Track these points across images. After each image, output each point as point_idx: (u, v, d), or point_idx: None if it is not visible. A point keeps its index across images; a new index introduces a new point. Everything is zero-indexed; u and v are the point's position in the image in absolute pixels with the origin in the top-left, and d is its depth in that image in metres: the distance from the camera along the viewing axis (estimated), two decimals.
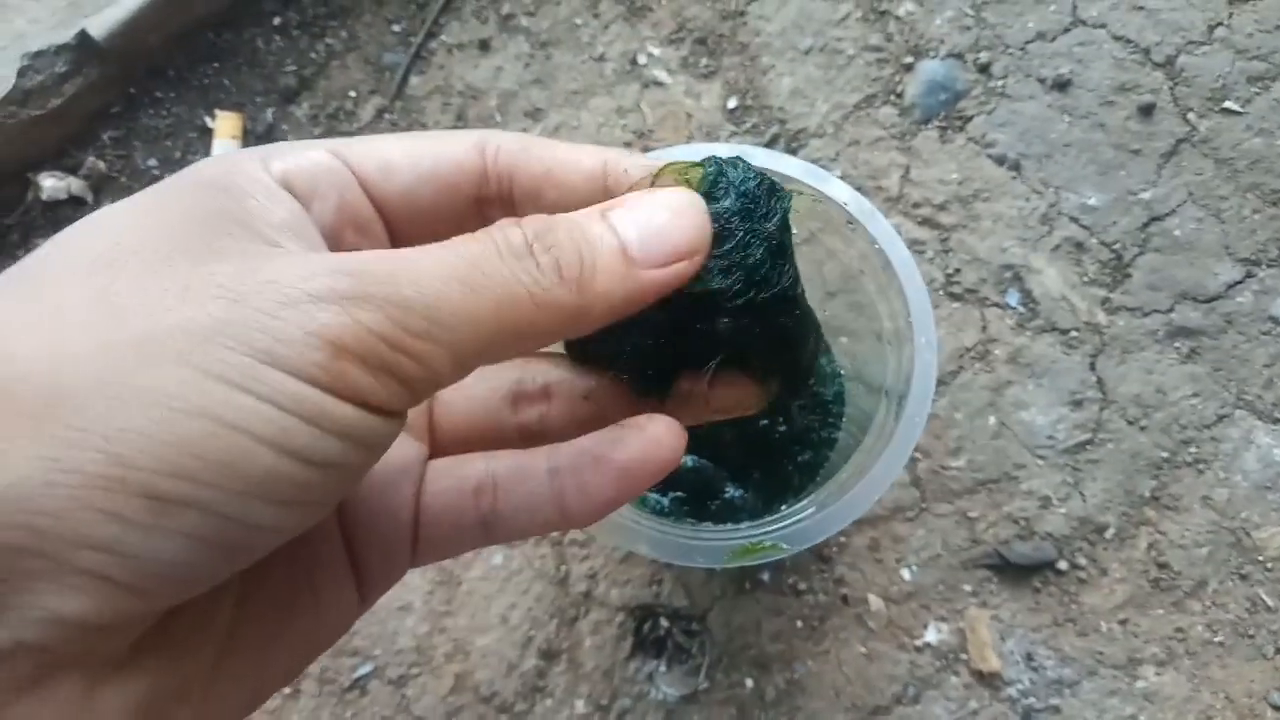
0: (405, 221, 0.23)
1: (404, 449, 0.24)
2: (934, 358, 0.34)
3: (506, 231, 0.20)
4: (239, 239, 0.18)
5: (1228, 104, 0.59)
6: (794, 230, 0.43)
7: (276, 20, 0.65)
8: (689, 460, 0.45)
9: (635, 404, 0.25)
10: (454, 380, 0.19)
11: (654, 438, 0.22)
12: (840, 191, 0.38)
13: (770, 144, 0.61)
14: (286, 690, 0.53)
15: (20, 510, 0.15)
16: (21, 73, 0.60)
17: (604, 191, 0.23)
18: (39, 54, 0.61)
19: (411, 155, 0.23)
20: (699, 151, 0.39)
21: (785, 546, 0.34)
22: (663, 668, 0.53)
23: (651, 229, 0.21)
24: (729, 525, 0.38)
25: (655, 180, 0.23)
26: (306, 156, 0.22)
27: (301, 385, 0.16)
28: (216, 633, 0.20)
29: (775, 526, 0.36)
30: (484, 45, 0.64)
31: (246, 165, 0.21)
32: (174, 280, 0.17)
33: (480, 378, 0.26)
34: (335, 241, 0.22)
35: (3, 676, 0.16)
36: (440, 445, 0.26)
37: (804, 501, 0.36)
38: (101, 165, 0.63)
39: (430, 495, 0.24)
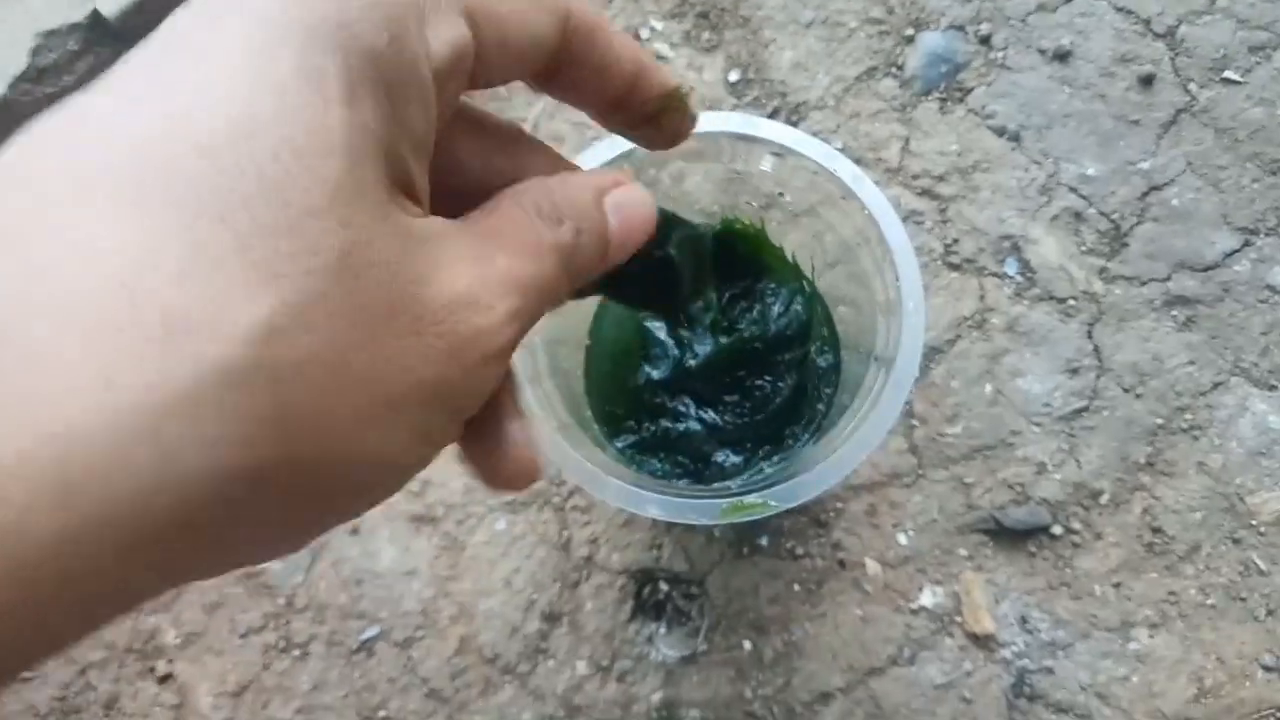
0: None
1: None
2: (921, 322, 0.35)
3: (539, 203, 0.20)
4: (394, 174, 0.17)
5: (1228, 74, 0.59)
6: (790, 203, 0.43)
7: None
8: (684, 425, 0.46)
9: None
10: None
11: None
12: (832, 159, 0.38)
13: (771, 116, 0.61)
14: (295, 652, 0.54)
15: None
16: (35, 51, 0.62)
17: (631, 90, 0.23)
18: (52, 33, 0.62)
19: (514, 29, 0.20)
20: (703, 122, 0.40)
21: (774, 504, 0.34)
22: (662, 630, 0.54)
23: (627, 227, 0.22)
24: (720, 485, 0.39)
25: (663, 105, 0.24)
26: (455, 38, 0.18)
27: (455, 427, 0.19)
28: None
29: (765, 485, 0.37)
30: None
31: (411, 45, 0.17)
32: (396, 299, 0.16)
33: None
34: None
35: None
36: None
37: (794, 462, 0.37)
38: None
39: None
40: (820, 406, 0.45)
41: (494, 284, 0.18)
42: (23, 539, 0.13)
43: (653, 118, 0.24)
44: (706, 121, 0.40)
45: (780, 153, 0.41)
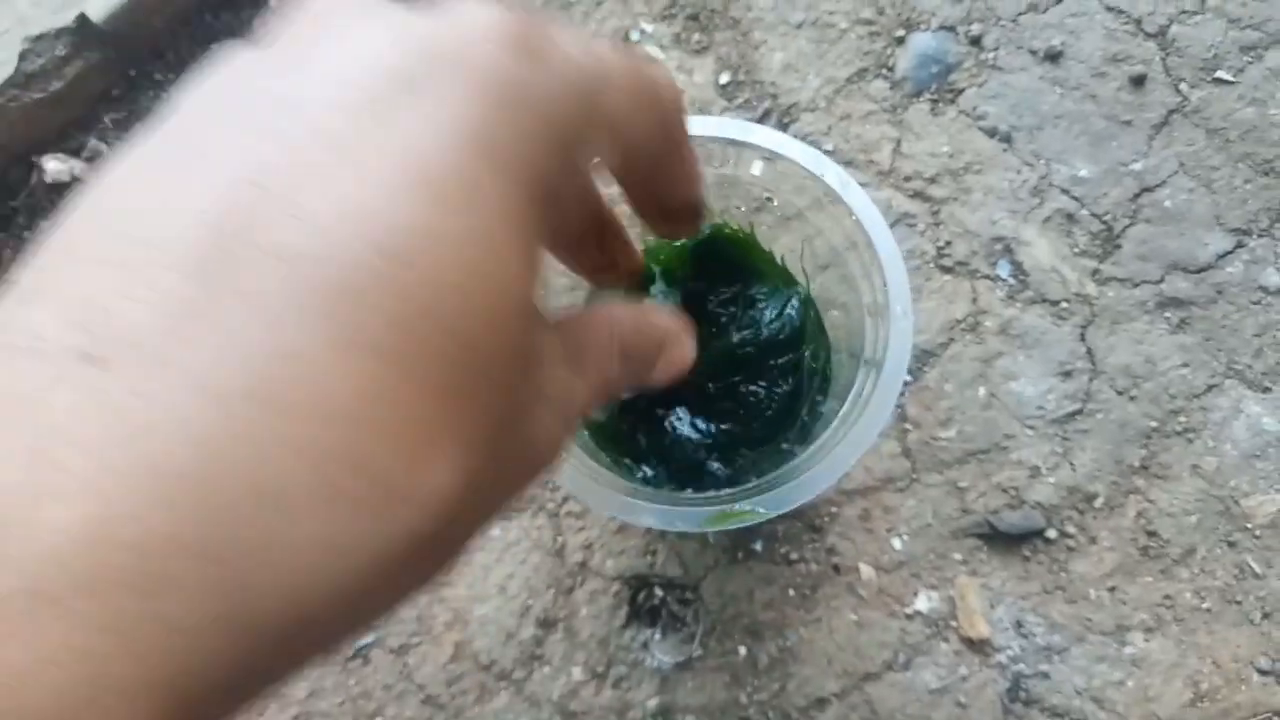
0: None
1: None
2: (909, 325, 0.34)
3: (612, 339, 0.22)
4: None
5: (1220, 74, 0.59)
6: (779, 207, 0.43)
7: (273, 1, 0.66)
8: (676, 433, 0.46)
9: None
10: None
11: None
12: (820, 164, 0.38)
13: (762, 119, 0.61)
14: None
15: None
16: (23, 56, 0.61)
17: None
18: (40, 37, 0.62)
19: (638, 149, 0.21)
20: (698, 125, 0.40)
21: (762, 511, 0.34)
22: (657, 636, 0.54)
23: (665, 375, 0.24)
24: (710, 493, 0.39)
25: None
26: (602, 157, 0.20)
27: None
28: None
29: (754, 492, 0.36)
30: None
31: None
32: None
33: None
34: None
35: None
36: None
37: (782, 469, 0.37)
38: (104, 147, 0.64)
39: None
40: (811, 412, 0.45)
41: (575, 411, 0.20)
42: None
43: (671, 215, 0.25)
44: (698, 126, 0.40)
45: (770, 157, 0.41)
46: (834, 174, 0.37)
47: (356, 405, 0.14)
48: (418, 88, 0.15)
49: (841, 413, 0.38)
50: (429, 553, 0.16)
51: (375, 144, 0.14)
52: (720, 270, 0.45)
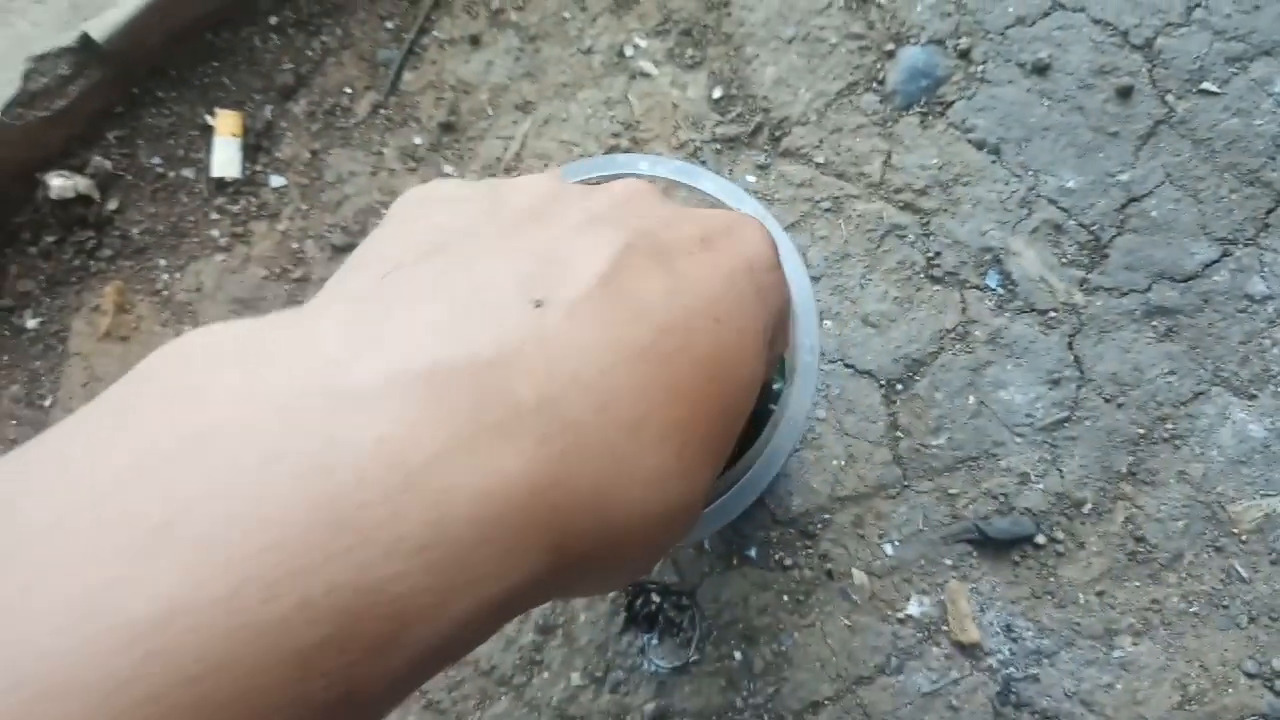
0: None
1: None
2: (815, 360, 0.35)
3: None
4: None
5: (1205, 85, 0.60)
6: None
7: (273, 19, 0.67)
8: None
9: None
10: None
11: None
12: (737, 197, 0.38)
13: (755, 132, 0.62)
14: None
15: None
16: (26, 76, 0.62)
17: None
18: (42, 57, 0.63)
19: None
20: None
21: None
22: (655, 641, 0.55)
23: None
24: None
25: None
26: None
27: None
28: None
29: None
30: (474, 40, 0.66)
31: None
32: None
33: None
34: None
35: None
36: None
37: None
38: (107, 164, 0.65)
39: None
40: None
41: None
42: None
43: None
44: (645, 165, 0.39)
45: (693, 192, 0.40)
46: (751, 208, 0.38)
47: (689, 392, 0.20)
48: (725, 240, 0.23)
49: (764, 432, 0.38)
50: (677, 529, 0.20)
51: (703, 258, 0.22)
52: None
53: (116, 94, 0.66)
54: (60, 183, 0.64)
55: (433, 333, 0.17)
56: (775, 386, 0.45)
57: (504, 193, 0.24)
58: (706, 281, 0.21)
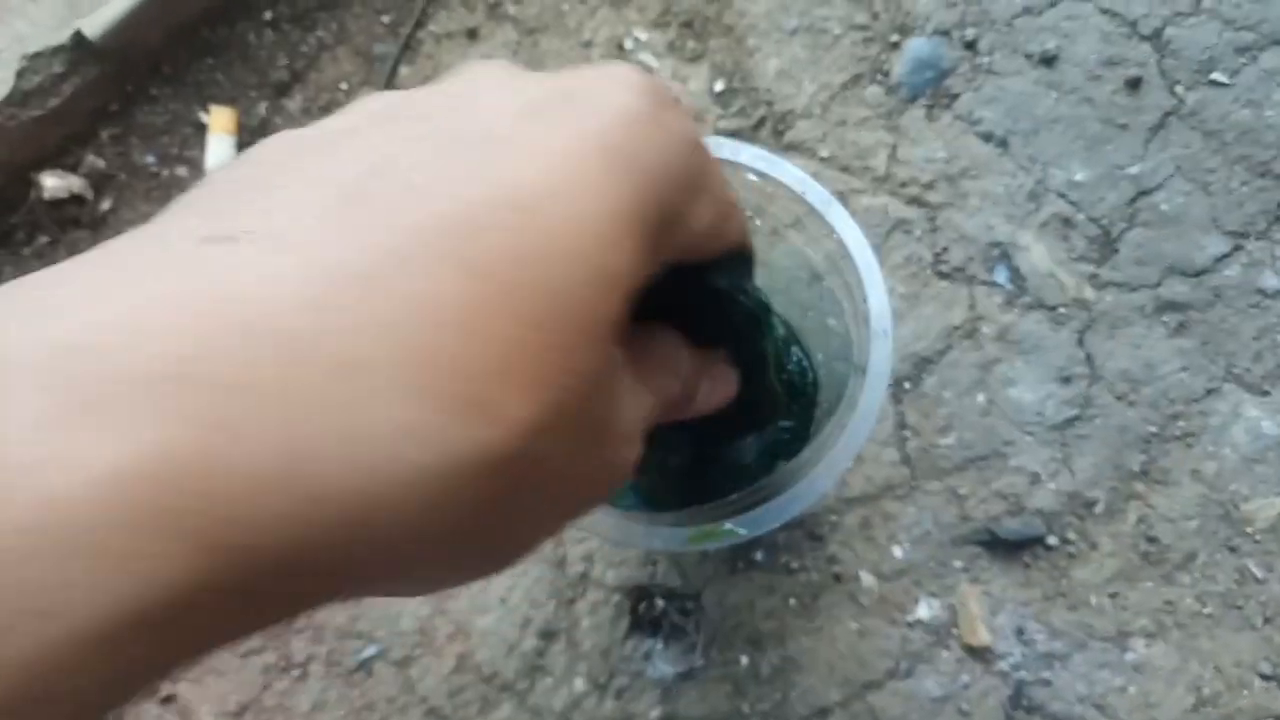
0: None
1: None
2: (889, 346, 0.34)
3: (674, 358, 0.23)
4: None
5: (1215, 76, 0.59)
6: (758, 223, 0.43)
7: (268, 15, 0.66)
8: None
9: None
10: None
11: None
12: (801, 180, 0.38)
13: (757, 126, 0.61)
14: (294, 672, 0.54)
15: None
16: (20, 74, 0.62)
17: None
18: (37, 55, 0.62)
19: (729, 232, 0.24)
20: None
21: (742, 531, 0.34)
22: (659, 646, 0.54)
23: (707, 403, 0.25)
24: (690, 509, 0.38)
25: None
26: (709, 217, 0.21)
27: None
28: None
29: (732, 511, 0.36)
30: (472, 34, 0.65)
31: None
32: None
33: None
34: None
35: None
36: None
37: (761, 482, 0.37)
38: (101, 163, 0.64)
39: None
40: (791, 424, 0.45)
41: (640, 424, 0.20)
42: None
43: None
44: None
45: (759, 176, 0.40)
46: (815, 193, 0.37)
47: (455, 312, 0.15)
48: (561, 108, 0.18)
49: (833, 420, 0.38)
50: (492, 503, 0.16)
51: (517, 137, 0.17)
52: None
53: (111, 92, 0.65)
54: (55, 182, 0.63)
55: (75, 302, 0.14)
56: (798, 362, 0.44)
57: (330, 120, 0.20)
58: (514, 164, 0.17)
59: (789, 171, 0.36)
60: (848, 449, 0.34)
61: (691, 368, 0.24)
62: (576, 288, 0.16)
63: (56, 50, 0.62)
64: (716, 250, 0.22)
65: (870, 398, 0.34)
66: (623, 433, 0.19)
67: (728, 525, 0.34)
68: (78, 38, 0.62)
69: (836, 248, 0.40)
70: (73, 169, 0.64)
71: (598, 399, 0.18)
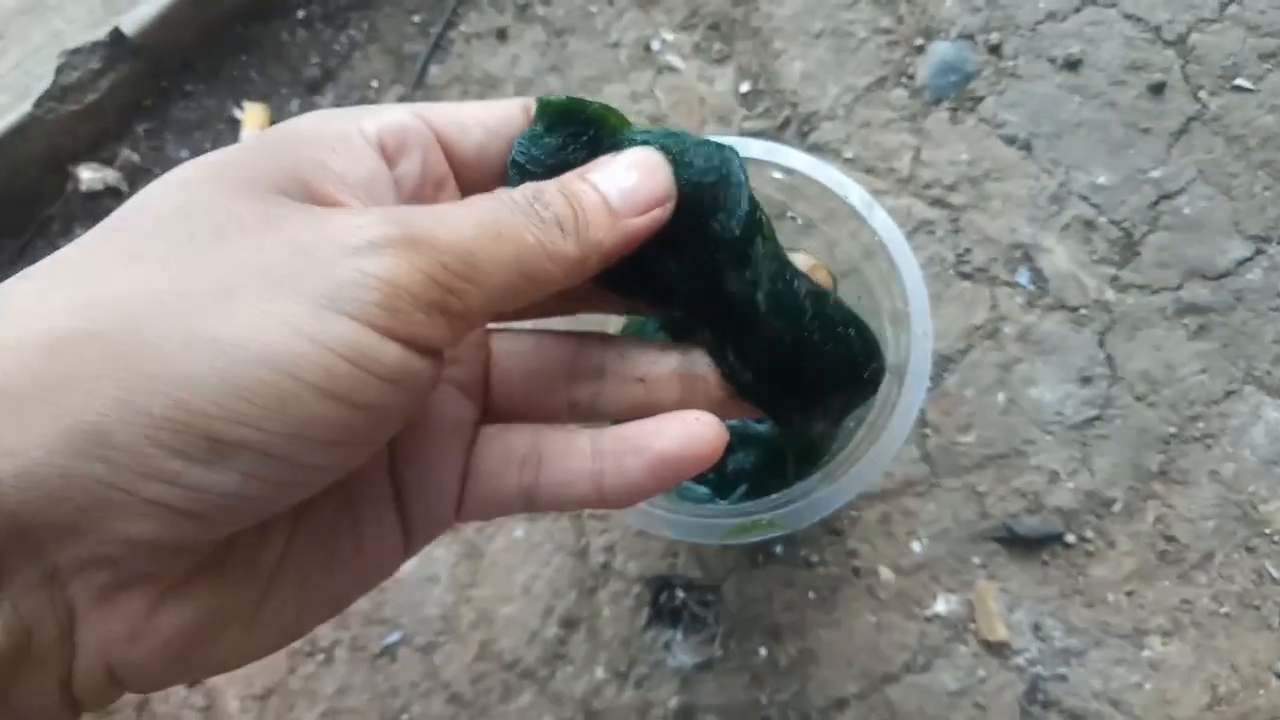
0: (476, 175, 0.26)
1: (458, 408, 0.26)
2: (929, 346, 0.35)
3: (510, 193, 0.23)
4: (309, 198, 0.21)
5: (1239, 81, 0.60)
6: (797, 219, 0.44)
7: (300, 13, 0.67)
8: None
9: (684, 397, 0.27)
10: (484, 322, 0.24)
11: (695, 431, 0.24)
12: (842, 183, 0.39)
13: (782, 127, 0.62)
14: (320, 657, 0.55)
15: (100, 445, 0.17)
16: (59, 70, 0.63)
17: None
18: (75, 51, 0.63)
19: (478, 115, 0.25)
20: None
21: (782, 525, 0.35)
22: (679, 636, 0.54)
23: (626, 185, 0.24)
24: (725, 504, 0.39)
25: None
26: (395, 117, 0.24)
27: (357, 328, 0.19)
28: (267, 564, 0.22)
29: (772, 506, 0.37)
30: (501, 34, 0.66)
31: (340, 124, 0.23)
32: (247, 236, 0.19)
33: (539, 351, 0.28)
34: (416, 196, 0.24)
35: (82, 587, 0.18)
36: (494, 412, 0.27)
37: (805, 481, 0.38)
38: (135, 157, 0.65)
39: (478, 458, 0.26)
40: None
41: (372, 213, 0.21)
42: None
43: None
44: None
45: (791, 171, 0.41)
46: (856, 194, 0.38)
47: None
48: None
49: (868, 420, 0.39)
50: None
51: None
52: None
53: (146, 88, 0.67)
54: (90, 175, 0.65)
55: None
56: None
57: None
58: None
59: (830, 174, 0.37)
60: (888, 447, 0.35)
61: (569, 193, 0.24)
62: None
63: (94, 46, 0.64)
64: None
65: (911, 397, 0.35)
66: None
67: (768, 519, 0.34)
68: (115, 34, 0.63)
69: (863, 247, 0.41)
70: (108, 162, 0.66)
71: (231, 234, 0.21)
